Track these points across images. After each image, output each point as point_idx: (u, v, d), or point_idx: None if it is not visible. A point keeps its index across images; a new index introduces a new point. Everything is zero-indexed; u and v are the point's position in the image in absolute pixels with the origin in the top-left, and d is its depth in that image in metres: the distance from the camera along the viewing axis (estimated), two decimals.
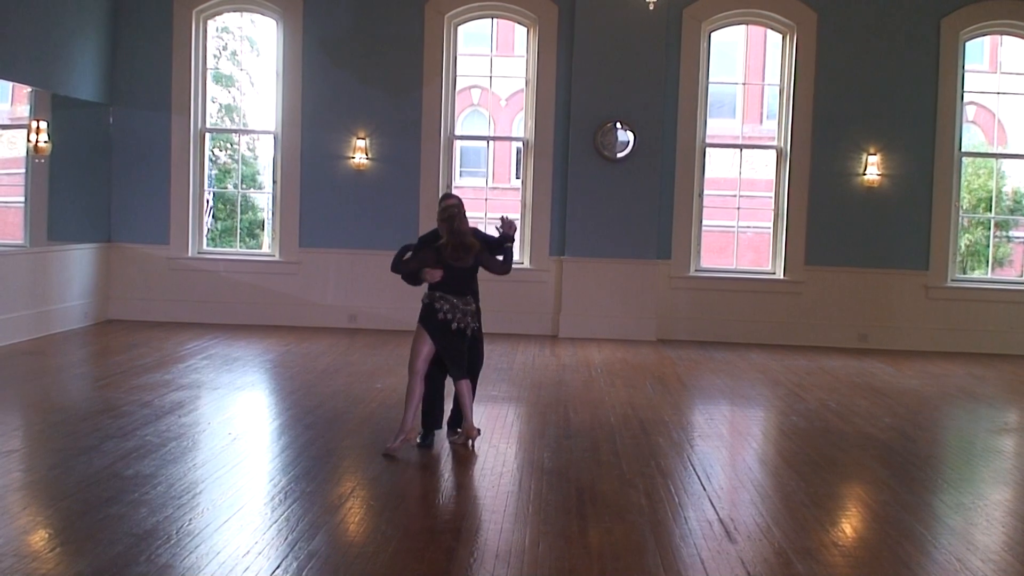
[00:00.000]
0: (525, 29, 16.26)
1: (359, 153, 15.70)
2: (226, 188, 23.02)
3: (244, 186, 23.03)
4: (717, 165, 17.50)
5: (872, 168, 15.50)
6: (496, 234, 8.89)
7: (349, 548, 6.29)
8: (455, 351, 8.50)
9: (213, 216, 22.26)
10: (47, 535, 6.31)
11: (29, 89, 14.58)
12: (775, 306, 15.78)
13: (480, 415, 8.83)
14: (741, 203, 16.66)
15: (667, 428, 9.73)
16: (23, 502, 6.99)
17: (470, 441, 8.66)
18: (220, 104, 24.28)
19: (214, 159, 23.00)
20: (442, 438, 8.90)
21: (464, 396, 8.60)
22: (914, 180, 15.57)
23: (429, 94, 15.78)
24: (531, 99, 16.02)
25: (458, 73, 16.41)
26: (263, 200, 23.94)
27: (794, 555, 6.31)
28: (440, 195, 9.01)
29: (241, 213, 19.92)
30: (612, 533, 6.61)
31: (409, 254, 8.74)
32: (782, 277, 15.86)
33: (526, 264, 15.71)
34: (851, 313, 15.69)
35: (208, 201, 20.82)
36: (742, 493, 7.71)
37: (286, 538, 6.33)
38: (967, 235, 22.31)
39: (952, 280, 15.77)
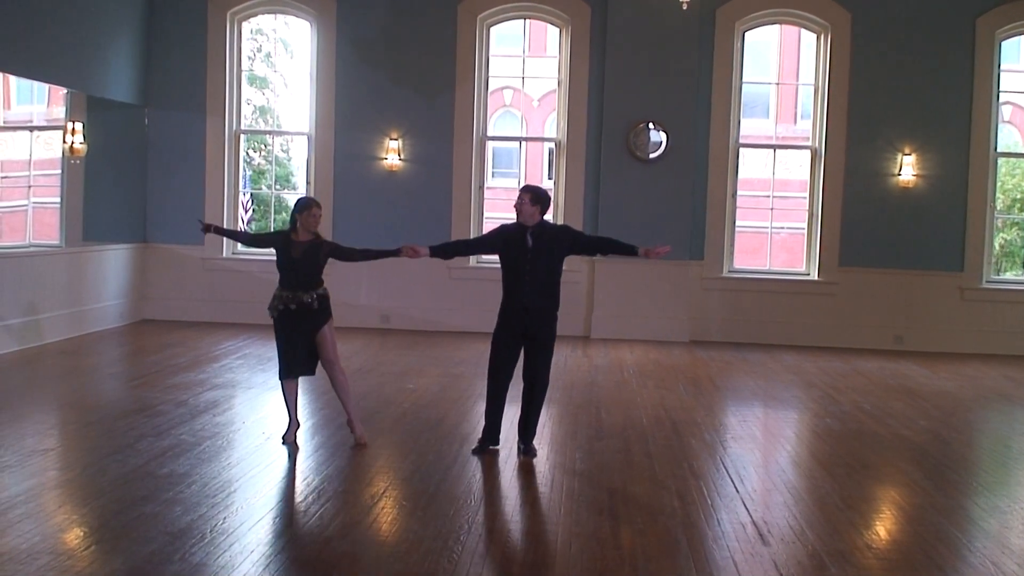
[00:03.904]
0: (557, 30, 16.26)
1: (392, 154, 15.75)
2: (260, 189, 23.15)
3: (278, 187, 23.17)
4: (750, 165, 17.41)
5: (907, 168, 15.40)
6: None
7: (382, 547, 6.31)
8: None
9: (251, 221, 22.36)
10: (82, 533, 6.36)
11: (65, 91, 14.74)
12: (809, 307, 15.70)
13: (511, 416, 8.82)
14: (775, 203, 16.57)
15: (700, 429, 9.70)
16: (58, 500, 7.05)
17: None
18: (254, 106, 24.44)
19: (248, 160, 23.13)
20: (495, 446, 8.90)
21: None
22: (949, 180, 15.45)
23: (461, 95, 15.81)
24: (563, 100, 16.01)
25: (490, 74, 16.42)
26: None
27: (828, 558, 6.27)
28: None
29: (275, 214, 20.02)
30: (644, 535, 6.60)
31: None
32: (816, 278, 15.77)
33: None
34: (886, 314, 15.58)
35: (247, 204, 20.94)
36: (775, 495, 7.67)
37: (319, 537, 6.36)
38: (1000, 235, 22.09)
39: (987, 281, 15.63)
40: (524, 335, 8.48)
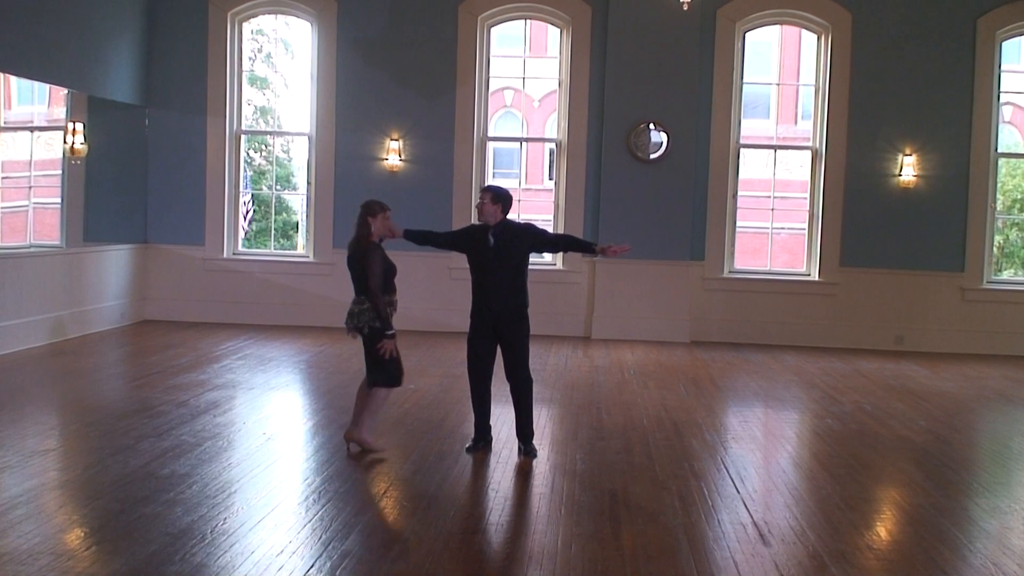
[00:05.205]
0: (558, 30, 16.25)
1: (393, 154, 15.75)
2: (260, 189, 23.16)
3: (278, 187, 23.16)
4: (751, 166, 17.43)
5: (908, 169, 15.39)
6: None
7: (382, 548, 6.30)
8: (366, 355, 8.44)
9: (251, 221, 22.38)
10: (83, 534, 6.36)
11: (66, 91, 14.73)
12: (810, 308, 15.70)
13: (510, 417, 8.82)
14: (775, 204, 16.57)
15: (700, 430, 9.70)
16: (59, 501, 7.05)
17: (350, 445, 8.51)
18: (255, 106, 24.44)
19: (249, 161, 23.14)
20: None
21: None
22: (950, 181, 15.45)
23: (462, 95, 15.81)
24: (564, 100, 16.01)
25: (491, 74, 16.41)
26: (297, 202, 24.10)
27: (828, 558, 6.27)
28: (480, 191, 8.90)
29: (275, 214, 20.02)
30: (645, 535, 6.60)
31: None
32: (817, 278, 15.77)
33: (559, 266, 15.70)
34: (886, 315, 15.58)
35: (246, 204, 20.96)
36: (776, 496, 7.67)
37: (320, 538, 6.36)
38: (999, 236, 22.10)
39: (988, 282, 15.63)
40: (495, 334, 8.52)
